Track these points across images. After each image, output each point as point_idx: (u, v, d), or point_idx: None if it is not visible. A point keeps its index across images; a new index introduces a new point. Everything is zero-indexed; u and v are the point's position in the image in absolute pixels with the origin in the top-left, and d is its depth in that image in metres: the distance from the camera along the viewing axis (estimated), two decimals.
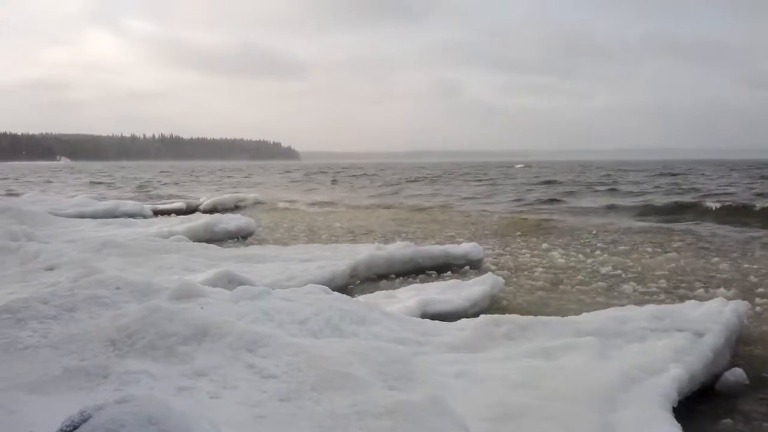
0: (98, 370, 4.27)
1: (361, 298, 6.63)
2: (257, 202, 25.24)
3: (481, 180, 47.61)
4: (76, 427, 3.02)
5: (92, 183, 48.19)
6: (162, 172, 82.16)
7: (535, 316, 5.67)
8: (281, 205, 25.78)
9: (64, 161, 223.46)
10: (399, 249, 9.55)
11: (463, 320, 5.52)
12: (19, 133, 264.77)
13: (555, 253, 11.49)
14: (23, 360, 4.64)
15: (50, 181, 50.42)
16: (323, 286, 6.04)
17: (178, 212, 22.08)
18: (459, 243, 11.06)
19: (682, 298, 7.74)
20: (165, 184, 48.14)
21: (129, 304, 5.59)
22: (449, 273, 9.52)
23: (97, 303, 5.61)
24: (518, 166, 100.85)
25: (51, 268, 7.48)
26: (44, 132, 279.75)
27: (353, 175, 62.12)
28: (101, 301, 5.64)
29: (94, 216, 17.77)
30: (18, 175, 69.38)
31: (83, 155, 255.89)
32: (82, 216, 17.46)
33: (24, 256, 8.25)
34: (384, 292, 7.50)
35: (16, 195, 29.34)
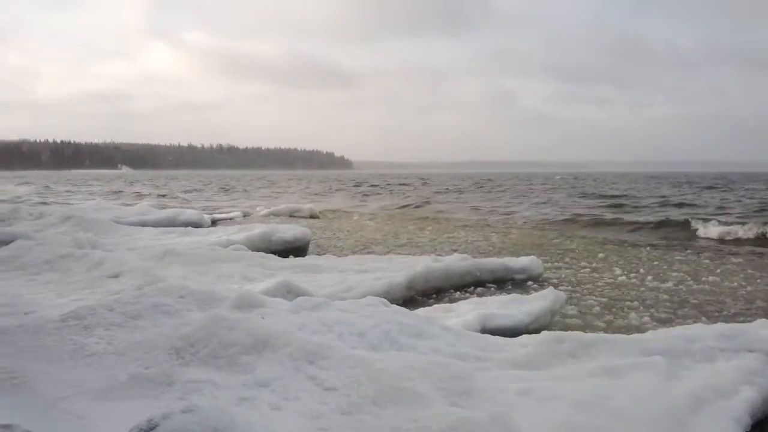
0: (162, 378, 4.33)
1: (419, 311, 6.59)
2: (312, 213, 25.44)
3: (529, 192, 47.00)
4: None
5: (113, 192, 48.35)
6: (200, 180, 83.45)
7: (599, 333, 5.55)
8: (334, 215, 25.97)
9: (124, 169, 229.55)
10: (456, 261, 9.47)
11: (525, 336, 5.42)
12: (83, 142, 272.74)
13: (615, 268, 11.27)
14: (90, 366, 4.74)
15: (72, 192, 50.77)
16: (382, 299, 6.01)
17: (236, 221, 22.47)
18: (517, 256, 10.92)
19: (749, 316, 7.50)
20: (188, 192, 48.39)
21: (192, 312, 5.67)
22: (509, 287, 9.42)
23: (161, 311, 5.70)
24: (557, 177, 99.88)
25: (115, 276, 7.64)
26: (106, 141, 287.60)
27: (403, 184, 62.05)
28: (165, 309, 5.73)
29: (155, 224, 18.14)
30: (58, 183, 71.23)
31: (143, 164, 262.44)
32: (143, 224, 17.84)
33: (89, 264, 8.45)
34: (442, 305, 7.43)
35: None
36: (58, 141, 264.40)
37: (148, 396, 4.11)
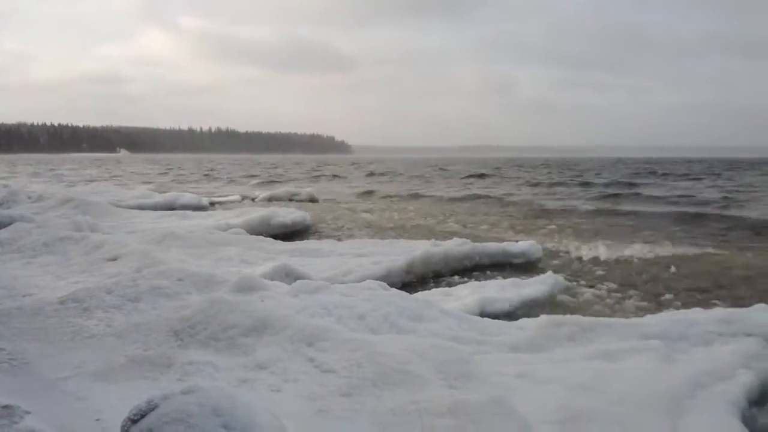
0: (162, 360, 4.35)
1: (418, 294, 6.60)
2: (311, 197, 25.41)
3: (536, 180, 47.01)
4: (143, 416, 3.07)
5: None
6: (199, 164, 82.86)
7: (598, 317, 5.57)
8: (333, 198, 25.98)
9: (123, 153, 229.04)
10: (455, 246, 9.47)
11: (524, 320, 5.44)
12: (81, 126, 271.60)
13: (613, 252, 11.26)
14: (89, 348, 4.75)
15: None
16: (381, 282, 6.02)
17: (234, 204, 22.47)
18: (516, 241, 10.91)
19: (742, 300, 7.52)
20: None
21: (191, 295, 5.67)
22: (507, 271, 9.43)
23: (160, 294, 5.71)
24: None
25: (114, 259, 7.63)
26: (103, 124, 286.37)
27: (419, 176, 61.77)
28: (164, 292, 5.74)
29: (154, 208, 18.14)
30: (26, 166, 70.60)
31: (142, 147, 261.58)
32: (142, 207, 17.82)
33: (87, 247, 8.44)
34: (441, 289, 7.44)
35: None
36: (56, 124, 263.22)
37: (148, 378, 4.12)
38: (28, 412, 3.46)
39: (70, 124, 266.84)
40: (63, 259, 8.07)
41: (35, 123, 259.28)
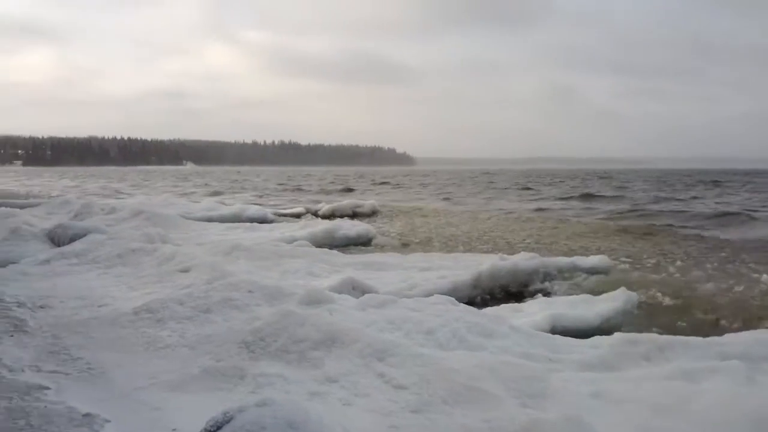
0: (234, 372, 4.40)
1: (487, 310, 6.51)
2: (373, 209, 25.46)
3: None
4: (219, 428, 3.11)
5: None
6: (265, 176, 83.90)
7: (673, 335, 5.38)
8: (396, 210, 25.98)
9: (190, 166, 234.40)
10: (524, 260, 9.33)
11: (597, 338, 5.30)
12: (148, 139, 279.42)
13: (690, 268, 10.89)
14: (164, 359, 4.85)
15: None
16: (449, 297, 5.97)
17: (298, 217, 22.71)
18: (586, 255, 10.68)
19: None
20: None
21: (261, 307, 5.74)
22: (577, 286, 9.16)
23: (231, 305, 5.80)
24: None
25: (185, 270, 7.79)
26: (171, 138, 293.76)
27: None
28: (234, 304, 5.82)
29: (221, 220, 18.50)
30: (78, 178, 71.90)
31: (207, 160, 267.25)
32: (210, 220, 18.20)
33: (159, 258, 8.65)
34: (510, 305, 7.33)
35: None
36: (125, 138, 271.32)
37: (221, 389, 4.18)
38: (107, 421, 3.55)
39: (139, 138, 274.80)
40: (136, 270, 8.28)
41: (106, 137, 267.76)
